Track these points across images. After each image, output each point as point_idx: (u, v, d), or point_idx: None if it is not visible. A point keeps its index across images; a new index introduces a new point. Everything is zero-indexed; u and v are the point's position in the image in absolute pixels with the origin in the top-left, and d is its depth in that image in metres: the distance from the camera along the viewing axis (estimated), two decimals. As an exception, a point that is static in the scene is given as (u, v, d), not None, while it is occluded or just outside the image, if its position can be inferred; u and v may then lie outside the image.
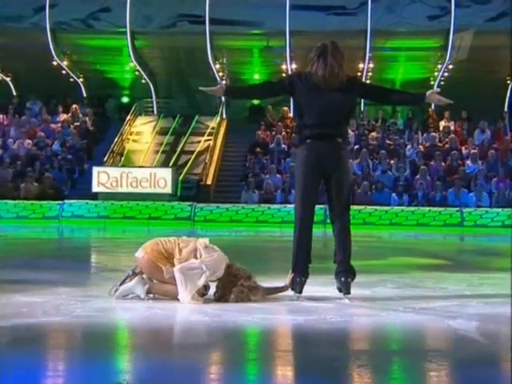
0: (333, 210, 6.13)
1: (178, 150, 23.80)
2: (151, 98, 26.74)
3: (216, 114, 25.54)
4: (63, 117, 25.57)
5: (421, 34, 24.06)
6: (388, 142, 23.61)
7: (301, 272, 5.99)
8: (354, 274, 6.07)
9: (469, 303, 5.97)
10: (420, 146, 23.24)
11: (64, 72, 26.41)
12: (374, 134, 24.07)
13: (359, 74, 25.07)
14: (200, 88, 6.27)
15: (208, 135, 24.51)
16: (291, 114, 23.95)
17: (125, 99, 28.11)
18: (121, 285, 5.86)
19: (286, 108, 24.40)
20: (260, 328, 4.82)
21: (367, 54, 24.34)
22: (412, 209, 19.31)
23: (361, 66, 24.83)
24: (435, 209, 19.23)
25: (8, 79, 27.58)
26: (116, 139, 24.29)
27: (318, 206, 6.13)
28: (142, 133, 25.37)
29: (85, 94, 27.30)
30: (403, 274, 8.28)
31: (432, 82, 26.37)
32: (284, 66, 24.65)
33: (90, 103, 26.72)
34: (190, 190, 21.56)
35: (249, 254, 10.63)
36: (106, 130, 25.73)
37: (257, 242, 14.88)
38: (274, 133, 23.42)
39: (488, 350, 4.42)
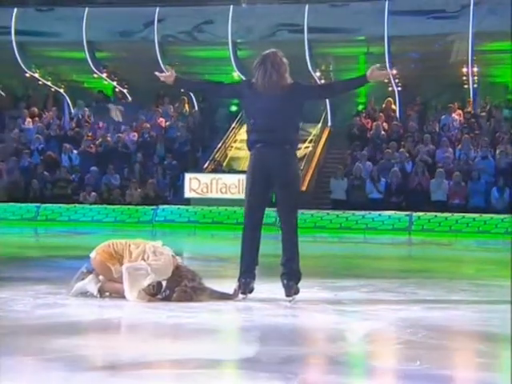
0: (280, 215, 6.38)
1: (278, 156, 24.10)
2: (258, 106, 27.20)
3: (320, 121, 25.72)
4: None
5: (526, 35, 23.22)
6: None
7: (246, 273, 6.25)
8: (298, 278, 6.24)
9: (410, 308, 6.02)
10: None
11: (173, 83, 27.35)
12: (478, 120, 23.20)
13: (464, 78, 24.55)
14: (155, 73, 6.77)
15: (309, 142, 24.73)
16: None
17: (233, 108, 28.80)
18: (76, 283, 6.31)
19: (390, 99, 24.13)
20: (157, 325, 5.11)
21: (470, 58, 23.75)
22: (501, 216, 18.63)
23: (464, 70, 24.27)
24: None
25: (125, 91, 28.95)
26: (219, 146, 25.01)
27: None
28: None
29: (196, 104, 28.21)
30: (398, 279, 8.30)
31: (547, 85, 25.41)
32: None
33: (200, 112, 27.60)
34: (284, 197, 21.77)
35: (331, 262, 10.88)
36: (213, 138, 26.50)
37: (340, 250, 14.71)
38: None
39: (361, 349, 4.52)
